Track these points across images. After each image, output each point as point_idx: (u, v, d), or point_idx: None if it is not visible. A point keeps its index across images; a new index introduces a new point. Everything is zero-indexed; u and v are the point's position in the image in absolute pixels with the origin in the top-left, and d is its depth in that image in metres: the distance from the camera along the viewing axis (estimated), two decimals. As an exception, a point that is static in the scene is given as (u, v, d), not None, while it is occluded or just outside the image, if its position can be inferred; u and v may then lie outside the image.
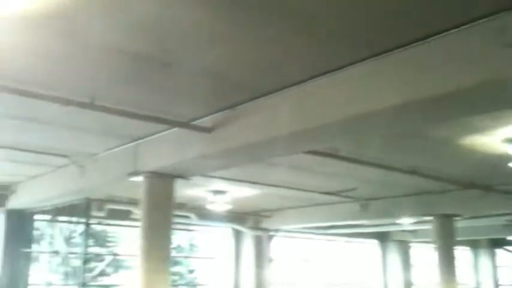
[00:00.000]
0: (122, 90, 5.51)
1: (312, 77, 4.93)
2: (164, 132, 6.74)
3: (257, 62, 4.75)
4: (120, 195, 12.49)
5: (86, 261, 9.47)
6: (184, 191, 11.77)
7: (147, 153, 7.27)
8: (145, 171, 7.25)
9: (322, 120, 5.01)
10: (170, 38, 4.28)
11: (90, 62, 4.80)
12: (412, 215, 12.64)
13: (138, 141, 7.32)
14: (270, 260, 15.91)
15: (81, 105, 5.31)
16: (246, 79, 5.13)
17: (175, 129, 6.51)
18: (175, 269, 21.26)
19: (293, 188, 11.13)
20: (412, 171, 8.15)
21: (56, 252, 11.06)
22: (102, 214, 12.37)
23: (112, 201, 12.55)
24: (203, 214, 14.01)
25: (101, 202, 11.66)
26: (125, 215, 13.90)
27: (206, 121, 6.08)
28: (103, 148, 8.07)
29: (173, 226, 15.83)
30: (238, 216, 15.21)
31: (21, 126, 7.04)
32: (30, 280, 11.64)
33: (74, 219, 11.07)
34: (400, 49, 4.22)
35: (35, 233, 12.02)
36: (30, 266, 11.68)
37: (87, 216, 9.76)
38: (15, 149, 8.07)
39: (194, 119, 6.13)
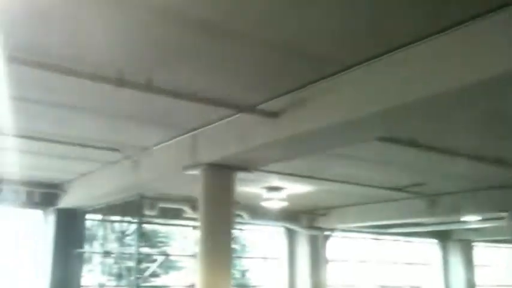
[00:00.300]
0: (181, 70, 4.95)
1: (399, 47, 4.25)
2: (224, 120, 6.16)
3: (339, 33, 4.11)
4: (172, 193, 12.15)
5: (139, 261, 9.00)
6: (237, 188, 11.24)
7: (205, 144, 6.72)
8: (203, 164, 6.70)
9: (405, 98, 4.32)
10: (240, 3, 3.68)
11: (146, 36, 4.25)
12: (483, 211, 11.66)
13: (195, 132, 6.78)
14: (327, 261, 15.18)
15: (136, 86, 4.78)
16: (323, 53, 4.49)
17: (237, 116, 5.91)
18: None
19: (356, 184, 10.39)
20: (498, 161, 7.30)
21: (108, 253, 10.68)
22: (153, 213, 11.99)
23: (164, 199, 12.15)
24: (256, 213, 13.44)
25: (153, 200, 11.24)
26: (176, 214, 13.54)
27: (272, 105, 5.46)
28: (157, 140, 7.58)
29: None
30: (292, 215, 14.55)
31: (69, 117, 6.62)
32: (83, 282, 11.32)
33: (126, 217, 10.67)
34: None
35: (86, 232, 11.69)
36: (82, 267, 11.36)
37: (140, 213, 9.31)
38: (64, 143, 7.67)
39: (259, 103, 5.52)
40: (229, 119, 6.09)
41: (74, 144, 7.74)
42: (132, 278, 9.96)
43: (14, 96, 5.72)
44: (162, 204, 12.59)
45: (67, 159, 8.91)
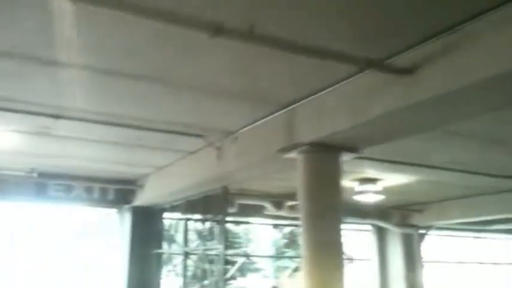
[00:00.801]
0: (290, 16, 3.86)
1: None
2: (331, 88, 5.02)
3: None
4: (252, 189, 11.15)
5: (222, 262, 8.01)
6: None
7: (305, 120, 5.61)
8: (304, 144, 5.58)
9: None
10: None
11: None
12: None
13: (292, 106, 5.68)
14: (422, 263, 13.68)
15: (235, 35, 3.73)
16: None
17: (349, 81, 4.74)
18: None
19: (463, 171, 8.94)
20: None
21: (188, 253, 9.77)
22: (232, 210, 11.02)
23: (243, 195, 11.16)
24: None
25: (232, 196, 10.28)
26: (257, 211, 12.55)
27: (403, 59, 4.26)
28: (244, 122, 6.55)
29: None
30: (383, 212, 13.18)
31: (148, 94, 5.69)
32: (162, 284, 10.50)
33: (207, 214, 9.73)
34: None
35: (164, 231, 10.86)
36: (161, 268, 10.53)
37: (225, 209, 8.30)
38: (142, 128, 6.77)
39: (385, 58, 4.33)
40: (337, 85, 4.93)
41: (152, 129, 6.83)
42: (215, 280, 9.01)
43: (85, 65, 4.87)
44: (241, 201, 11.64)
45: (144, 150, 8.06)
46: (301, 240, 5.47)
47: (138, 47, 4.53)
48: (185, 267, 9.51)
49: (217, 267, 8.37)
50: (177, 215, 10.72)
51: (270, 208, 12.19)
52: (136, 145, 7.83)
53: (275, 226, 14.89)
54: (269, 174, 7.62)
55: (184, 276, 9.45)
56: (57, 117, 6.33)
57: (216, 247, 8.15)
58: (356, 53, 4.19)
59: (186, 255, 9.62)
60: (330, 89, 5.06)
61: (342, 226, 5.46)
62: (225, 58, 4.68)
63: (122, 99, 5.90)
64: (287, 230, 19.83)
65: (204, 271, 8.81)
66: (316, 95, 5.30)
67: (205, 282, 9.32)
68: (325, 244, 5.30)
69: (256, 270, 18.94)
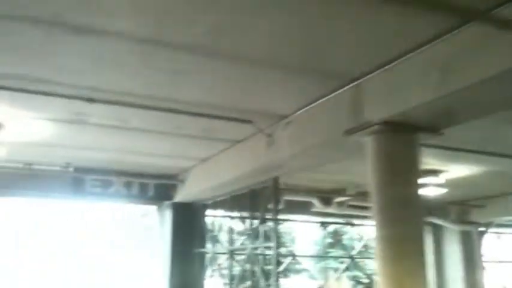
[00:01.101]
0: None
1: None
2: (410, 55, 4.22)
3: None
4: (299, 184, 10.39)
5: (273, 261, 7.25)
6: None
7: (376, 95, 4.80)
8: (374, 124, 4.78)
9: None
10: None
11: None
12: None
13: (359, 80, 4.90)
14: (483, 263, 12.63)
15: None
16: None
17: (435, 42, 3.93)
18: (350, 273, 18.78)
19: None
20: None
21: (234, 252, 9.05)
22: (279, 206, 10.25)
23: (290, 190, 10.37)
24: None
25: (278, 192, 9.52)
26: (304, 208, 11.76)
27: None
28: (301, 103, 5.79)
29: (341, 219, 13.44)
30: (440, 207, 12.17)
31: (191, 70, 4.98)
32: (205, 285, 9.81)
33: (253, 210, 9.01)
34: None
35: (208, 229, 10.17)
36: (204, 268, 9.85)
37: (276, 202, 7.52)
38: (196, 114, 6.07)
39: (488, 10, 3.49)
40: (418, 50, 4.13)
41: (196, 114, 6.13)
42: (266, 282, 8.27)
43: (121, 32, 4.19)
44: (287, 197, 10.86)
45: (186, 139, 7.37)
46: (376, 239, 4.64)
47: (181, 9, 3.83)
48: (230, 268, 8.79)
49: (269, 268, 7.61)
50: (221, 211, 10.00)
51: (317, 205, 11.38)
52: (178, 134, 7.16)
53: (322, 224, 14.04)
54: (327, 162, 6.81)
55: (231, 277, 8.73)
56: (91, 100, 5.69)
57: (268, 246, 7.39)
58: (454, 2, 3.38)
59: (232, 254, 8.90)
60: (407, 56, 4.26)
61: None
62: (281, 22, 3.94)
63: (162, 77, 5.19)
64: (330, 228, 18.96)
65: (253, 272, 8.06)
66: (390, 65, 4.51)
67: (252, 283, 8.58)
68: (404, 240, 4.47)
69: (300, 271, 18.12)
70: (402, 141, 4.76)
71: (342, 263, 17.55)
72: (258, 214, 8.09)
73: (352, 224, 13.89)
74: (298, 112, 5.93)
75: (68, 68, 4.99)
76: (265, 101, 5.85)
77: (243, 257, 8.78)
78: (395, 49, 4.33)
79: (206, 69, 4.96)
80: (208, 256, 9.92)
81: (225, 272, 9.48)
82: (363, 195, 11.36)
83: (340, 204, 11.38)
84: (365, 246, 16.91)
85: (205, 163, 8.63)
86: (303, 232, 19.36)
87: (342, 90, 5.16)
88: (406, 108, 4.48)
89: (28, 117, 6.48)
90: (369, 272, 19.01)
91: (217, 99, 5.83)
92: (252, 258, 8.10)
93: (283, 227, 17.20)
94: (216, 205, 9.63)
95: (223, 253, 9.50)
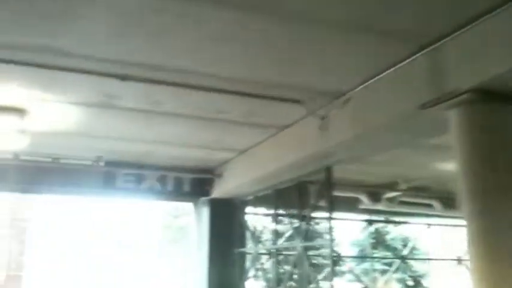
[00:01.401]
0: None
1: None
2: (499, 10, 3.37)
3: None
4: (345, 178, 9.51)
5: (335, 262, 6.41)
6: (427, 164, 8.33)
7: (461, 59, 3.93)
8: (462, 92, 3.91)
9: None
10: None
11: None
12: None
13: (436, 44, 4.05)
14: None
15: None
16: None
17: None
18: (396, 275, 17.77)
19: None
20: None
21: (277, 252, 8.23)
22: (323, 204, 9.40)
23: (337, 185, 9.50)
24: (451, 201, 10.33)
25: (321, 187, 8.69)
26: (351, 205, 10.87)
27: None
28: (362, 76, 4.96)
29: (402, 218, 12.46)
30: None
31: (234, 33, 4.21)
32: (247, 287, 9.03)
33: (298, 206, 8.21)
34: None
35: (248, 227, 9.40)
36: (245, 269, 9.07)
37: (329, 195, 6.67)
38: (225, 92, 5.33)
39: None
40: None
41: (237, 93, 5.36)
42: (312, 283, 7.46)
43: None
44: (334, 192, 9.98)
45: (226, 126, 6.61)
46: (469, 237, 3.76)
47: None
48: (277, 268, 7.97)
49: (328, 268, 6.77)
50: (262, 208, 9.22)
51: (365, 201, 10.48)
52: (217, 120, 6.40)
53: (369, 223, 13.11)
54: (392, 147, 5.93)
55: (278, 278, 7.91)
56: (122, 77, 4.99)
57: (321, 245, 6.56)
58: None
59: (276, 254, 8.09)
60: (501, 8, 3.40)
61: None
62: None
63: (199, 46, 4.43)
64: (371, 228, 17.99)
65: (294, 274, 7.25)
66: (477, 22, 3.65)
67: (297, 285, 7.76)
68: (506, 234, 3.58)
69: (342, 273, 17.17)
70: (496, 113, 3.87)
71: (388, 264, 16.56)
72: (305, 210, 7.28)
73: (402, 223, 12.92)
74: (359, 87, 5.10)
75: (94, 36, 4.29)
76: (318, 74, 5.03)
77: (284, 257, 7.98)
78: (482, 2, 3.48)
79: (253, 33, 4.18)
80: (248, 256, 9.14)
81: (268, 273, 8.67)
82: (415, 190, 10.45)
83: (390, 200, 10.46)
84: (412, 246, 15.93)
85: (245, 154, 7.85)
86: (343, 231, 18.40)
87: (416, 56, 4.31)
88: (502, 71, 3.61)
89: (53, 101, 5.80)
90: (415, 273, 18.00)
91: (263, 74, 5.04)
92: (302, 258, 7.28)
93: (321, 227, 16.30)
94: (257, 201, 8.84)
95: (267, 253, 8.68)
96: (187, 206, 10.12)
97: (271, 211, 8.51)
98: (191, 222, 9.97)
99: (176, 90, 5.31)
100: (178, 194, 9.14)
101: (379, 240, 17.80)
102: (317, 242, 6.92)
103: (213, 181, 9.05)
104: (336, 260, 6.59)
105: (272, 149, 6.94)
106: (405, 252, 14.79)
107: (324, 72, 4.96)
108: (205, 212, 9.24)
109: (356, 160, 6.59)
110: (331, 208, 6.65)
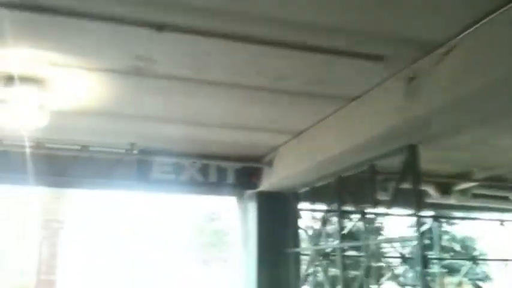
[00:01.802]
0: None
1: None
2: None
3: None
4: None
5: (424, 265, 5.16)
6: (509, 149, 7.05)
7: None
8: None
9: None
10: None
11: None
12: None
13: None
14: None
15: None
16: None
17: None
18: (451, 278, 16.33)
19: None
20: None
21: (342, 251, 7.01)
22: (385, 197, 8.14)
23: (394, 174, 8.23)
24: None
25: (386, 176, 7.47)
26: (411, 199, 9.54)
27: None
28: (471, 16, 3.74)
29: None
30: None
31: None
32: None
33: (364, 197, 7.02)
34: None
35: (304, 224, 8.23)
36: (300, 272, 7.89)
37: (416, 184, 5.39)
38: (286, 46, 4.19)
39: None
40: None
41: (298, 48, 4.22)
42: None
43: None
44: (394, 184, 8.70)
45: (284, 99, 5.47)
46: None
47: None
48: (344, 268, 6.76)
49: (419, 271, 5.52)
50: (318, 201, 8.02)
51: (433, 194, 9.15)
52: (273, 91, 5.25)
53: (435, 219, 11.76)
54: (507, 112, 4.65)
55: (343, 281, 6.70)
56: (159, 27, 3.91)
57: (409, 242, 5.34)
58: None
59: (343, 254, 6.88)
60: None
61: None
62: None
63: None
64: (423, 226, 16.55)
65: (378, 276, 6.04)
66: None
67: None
68: None
69: (395, 276, 15.79)
70: None
71: (446, 267, 15.14)
72: (376, 202, 6.08)
73: (472, 219, 11.52)
74: (465, 33, 3.88)
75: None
76: (410, 18, 3.82)
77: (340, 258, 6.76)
78: None
79: None
80: (301, 256, 7.96)
81: (327, 277, 7.47)
82: (491, 180, 9.09)
83: (463, 193, 9.11)
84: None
85: (302, 136, 6.68)
86: (392, 228, 16.99)
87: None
88: None
89: (74, 67, 4.76)
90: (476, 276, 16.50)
91: (340, 19, 3.86)
92: (376, 257, 6.07)
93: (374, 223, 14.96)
94: (313, 194, 7.64)
95: (332, 253, 7.46)
96: (225, 206, 9.07)
97: (331, 204, 7.30)
98: (235, 219, 8.85)
99: (227, 46, 4.20)
100: (221, 186, 8.02)
101: (435, 240, 16.34)
102: (394, 238, 5.59)
103: (262, 171, 7.90)
104: (427, 260, 5.24)
105: (338, 126, 5.74)
106: (476, 253, 13.34)
107: (418, 15, 3.75)
108: (252, 208, 8.11)
109: (451, 134, 5.30)
110: (418, 199, 5.40)
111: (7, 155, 6.85)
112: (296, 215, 8.00)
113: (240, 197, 8.40)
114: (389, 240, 5.69)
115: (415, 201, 5.37)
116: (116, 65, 4.73)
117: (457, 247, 16.30)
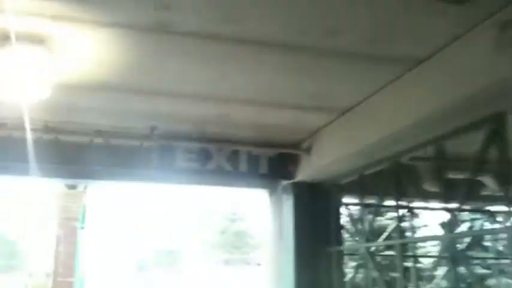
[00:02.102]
0: None
1: None
2: None
3: None
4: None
5: None
6: None
7: None
8: None
9: None
10: None
11: None
12: None
13: None
14: None
15: None
16: None
17: None
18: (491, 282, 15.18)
19: None
20: None
21: (403, 247, 6.00)
22: (434, 188, 7.10)
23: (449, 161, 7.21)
24: None
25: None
26: (465, 191, 8.50)
27: None
28: None
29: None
30: None
31: None
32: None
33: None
34: None
35: (349, 220, 7.28)
36: (343, 272, 6.94)
37: (504, 164, 4.38)
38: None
39: None
40: None
41: None
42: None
43: None
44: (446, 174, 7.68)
45: (331, 63, 4.53)
46: None
47: None
48: (404, 271, 5.77)
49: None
50: (368, 194, 7.03)
51: (491, 185, 8.08)
52: (320, 53, 4.32)
53: (491, 214, 10.67)
54: None
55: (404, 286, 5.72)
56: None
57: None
58: None
59: (403, 254, 5.89)
60: None
61: None
62: None
63: None
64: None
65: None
66: None
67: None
68: None
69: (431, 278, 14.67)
70: None
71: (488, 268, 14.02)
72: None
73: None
74: None
75: None
76: None
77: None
78: None
79: None
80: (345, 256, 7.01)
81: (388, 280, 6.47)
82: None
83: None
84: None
85: (350, 114, 5.70)
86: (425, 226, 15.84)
87: None
88: None
89: (85, 22, 3.89)
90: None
91: None
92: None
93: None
94: (360, 184, 6.65)
95: (382, 251, 6.49)
96: (250, 205, 8.11)
97: (384, 196, 6.35)
98: (266, 216, 7.91)
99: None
100: (253, 177, 7.11)
101: (475, 240, 15.19)
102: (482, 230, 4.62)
103: (299, 159, 6.96)
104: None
105: (398, 97, 4.76)
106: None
107: None
108: (288, 201, 7.17)
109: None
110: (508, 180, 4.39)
111: (11, 142, 6.02)
112: (339, 209, 7.04)
113: (274, 189, 7.46)
114: (476, 233, 4.69)
115: (503, 184, 4.36)
116: (136, 19, 3.84)
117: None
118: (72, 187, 12.62)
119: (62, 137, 6.18)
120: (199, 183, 7.18)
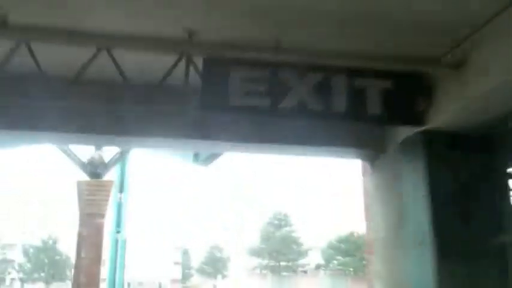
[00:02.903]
0: None
1: None
2: None
3: None
4: None
5: None
6: None
7: None
8: None
9: None
10: None
11: None
12: None
13: None
14: None
15: None
16: None
17: None
18: None
19: None
20: None
21: None
22: None
23: None
24: None
25: None
26: None
27: None
28: None
29: None
30: None
31: None
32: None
33: None
34: None
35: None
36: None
37: None
38: None
39: None
40: None
41: None
42: None
43: None
44: None
45: None
46: None
47: None
48: None
49: None
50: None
51: None
52: None
53: None
54: None
55: None
56: None
57: None
58: None
59: None
60: None
61: None
62: None
63: None
64: None
65: None
66: None
67: None
68: None
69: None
70: None
71: None
72: None
73: None
74: None
75: None
76: None
77: None
78: None
79: None
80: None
81: None
82: None
83: None
84: None
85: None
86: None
87: None
88: None
89: None
90: None
91: None
92: None
93: None
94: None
95: None
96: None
97: None
98: (369, 188, 5.06)
99: None
100: (356, 117, 4.21)
101: None
102: None
103: (436, 88, 4.07)
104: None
105: None
106: None
107: None
108: (415, 164, 4.29)
109: None
110: None
111: None
112: (507, 175, 4.13)
113: (389, 142, 4.60)
114: None
115: None
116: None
117: None
118: (96, 175, 10.48)
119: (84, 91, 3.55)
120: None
